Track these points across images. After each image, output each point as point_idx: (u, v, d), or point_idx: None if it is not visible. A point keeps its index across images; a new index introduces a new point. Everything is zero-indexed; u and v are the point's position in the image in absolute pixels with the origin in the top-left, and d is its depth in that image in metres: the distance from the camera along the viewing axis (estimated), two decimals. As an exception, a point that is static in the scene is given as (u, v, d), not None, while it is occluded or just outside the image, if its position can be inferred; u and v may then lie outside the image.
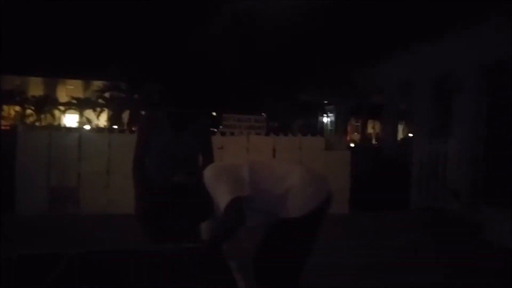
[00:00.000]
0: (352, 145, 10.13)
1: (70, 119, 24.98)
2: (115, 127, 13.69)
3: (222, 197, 1.85)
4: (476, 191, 6.28)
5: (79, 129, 12.14)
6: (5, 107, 23.55)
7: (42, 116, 23.40)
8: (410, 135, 8.81)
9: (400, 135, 9.75)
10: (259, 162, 2.20)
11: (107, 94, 19.98)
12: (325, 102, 15.07)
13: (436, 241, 4.96)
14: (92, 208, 5.46)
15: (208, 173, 2.00)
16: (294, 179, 2.03)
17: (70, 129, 11.84)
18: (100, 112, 22.18)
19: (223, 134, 6.54)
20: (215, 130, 7.25)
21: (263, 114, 8.03)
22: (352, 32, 7.92)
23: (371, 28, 7.51)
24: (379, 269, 3.83)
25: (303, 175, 2.07)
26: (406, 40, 8.00)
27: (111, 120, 18.07)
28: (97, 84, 22.96)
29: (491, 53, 6.13)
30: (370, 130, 11.97)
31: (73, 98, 26.15)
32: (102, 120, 21.87)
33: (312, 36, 8.17)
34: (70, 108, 25.70)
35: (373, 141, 11.20)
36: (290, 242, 2.02)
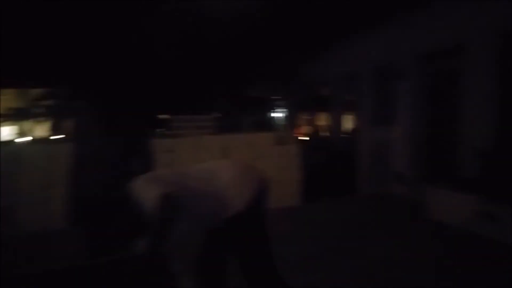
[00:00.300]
0: (303, 138, 10.32)
1: (7, 131, 23.29)
2: (57, 136, 12.88)
3: (151, 197, 1.82)
4: (419, 174, 6.63)
5: (15, 142, 11.28)
6: None
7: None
8: (357, 124, 9.12)
9: (348, 126, 10.06)
10: (185, 166, 2.22)
11: (46, 102, 18.72)
12: (275, 97, 15.24)
13: (384, 223, 5.19)
14: (31, 226, 5.07)
15: (136, 183, 1.97)
16: (224, 174, 2.04)
17: (4, 142, 10.99)
18: (40, 121, 20.83)
19: (172, 136, 6.38)
20: (165, 132, 7.06)
21: (212, 112, 7.94)
22: (295, 26, 8.01)
23: (314, 21, 7.63)
24: (330, 256, 3.93)
25: (231, 169, 2.09)
26: (348, 31, 8.23)
27: (52, 129, 16.96)
28: (35, 92, 21.55)
29: (431, 40, 6.39)
30: (319, 122, 12.26)
31: (9, 108, 24.29)
32: (43, 130, 20.55)
33: (255, 32, 8.16)
34: (6, 120, 23.89)
35: (323, 133, 11.51)
36: (237, 243, 1.98)
